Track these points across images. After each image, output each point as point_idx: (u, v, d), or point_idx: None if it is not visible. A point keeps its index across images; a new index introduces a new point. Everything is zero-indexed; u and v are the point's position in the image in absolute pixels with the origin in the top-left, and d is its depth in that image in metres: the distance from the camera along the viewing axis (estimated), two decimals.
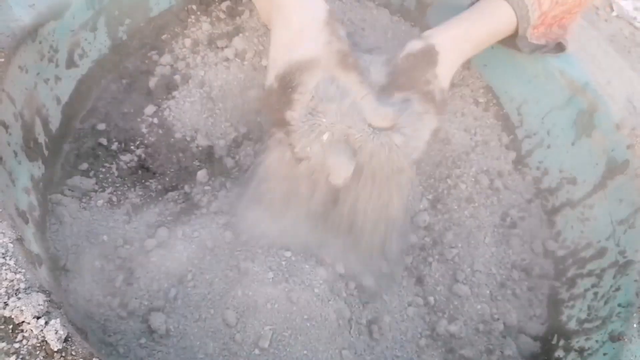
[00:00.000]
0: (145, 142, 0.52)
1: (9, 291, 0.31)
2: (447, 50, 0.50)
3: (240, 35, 0.58)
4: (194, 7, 0.59)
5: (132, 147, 0.51)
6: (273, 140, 0.48)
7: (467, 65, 0.62)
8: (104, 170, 0.50)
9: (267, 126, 0.49)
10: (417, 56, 0.50)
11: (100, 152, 0.51)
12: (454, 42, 0.51)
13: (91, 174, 0.49)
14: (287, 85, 0.46)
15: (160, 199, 0.50)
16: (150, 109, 0.54)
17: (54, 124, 0.48)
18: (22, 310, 0.31)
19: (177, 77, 0.55)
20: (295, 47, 0.46)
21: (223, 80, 0.55)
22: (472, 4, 0.55)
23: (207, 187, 0.52)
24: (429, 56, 0.50)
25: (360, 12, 0.64)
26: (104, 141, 0.51)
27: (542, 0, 0.51)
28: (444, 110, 0.51)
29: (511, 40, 0.54)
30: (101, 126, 0.52)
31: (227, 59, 0.56)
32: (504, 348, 0.50)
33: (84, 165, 0.49)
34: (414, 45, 0.50)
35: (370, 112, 0.47)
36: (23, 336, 0.30)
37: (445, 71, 0.50)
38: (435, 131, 0.50)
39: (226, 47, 0.57)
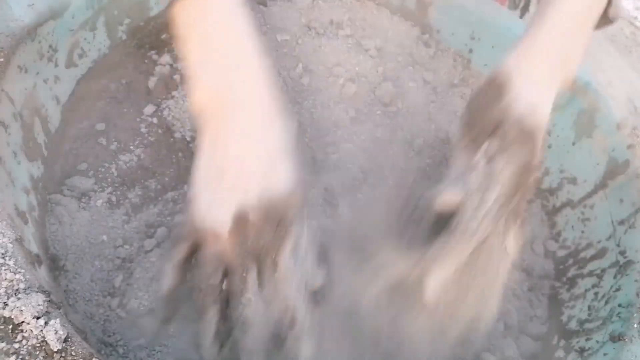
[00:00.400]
0: (145, 142, 0.52)
1: (9, 291, 0.31)
2: (524, 71, 0.40)
3: None
4: None
5: (131, 147, 0.51)
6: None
7: (467, 65, 0.62)
8: (103, 170, 0.50)
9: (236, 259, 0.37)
10: (481, 92, 0.41)
11: (99, 152, 0.50)
12: (530, 56, 0.40)
13: (90, 173, 0.49)
14: (275, 223, 0.36)
15: (160, 199, 0.50)
16: (149, 109, 0.54)
17: (54, 124, 0.48)
18: (21, 310, 0.31)
19: (177, 77, 0.55)
20: (276, 172, 0.37)
21: None
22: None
23: None
24: (496, 85, 0.40)
25: (361, 12, 0.64)
26: (103, 141, 0.51)
27: None
28: (534, 157, 0.39)
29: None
30: (100, 126, 0.52)
31: None
32: (505, 348, 0.50)
33: (83, 165, 0.49)
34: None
35: None
36: (23, 336, 0.30)
37: (525, 96, 0.39)
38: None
39: None
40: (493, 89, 0.41)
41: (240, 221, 0.36)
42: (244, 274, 0.37)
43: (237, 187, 0.36)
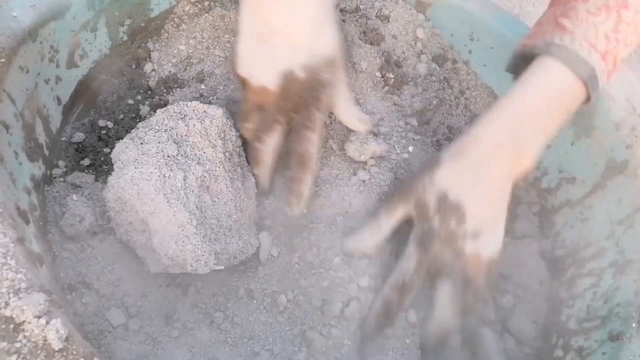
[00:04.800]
0: None
1: (10, 291, 0.31)
2: (454, 152, 0.43)
3: None
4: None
5: None
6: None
7: (467, 64, 0.62)
8: (106, 168, 0.50)
9: (272, 113, 0.45)
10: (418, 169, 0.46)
11: (100, 149, 0.51)
12: (465, 142, 0.43)
13: (92, 170, 0.49)
14: (319, 81, 0.42)
15: None
16: (150, 108, 0.54)
17: (55, 124, 0.48)
18: (23, 309, 0.31)
19: (177, 75, 0.55)
20: (318, 38, 0.41)
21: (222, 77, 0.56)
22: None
23: None
24: (430, 162, 0.45)
25: None
26: (104, 137, 0.51)
27: (592, 40, 0.40)
28: (481, 296, 0.44)
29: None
30: (102, 123, 0.52)
31: (226, 58, 0.57)
32: (504, 347, 0.50)
33: (85, 162, 0.49)
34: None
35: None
36: (24, 336, 0.30)
37: (450, 174, 0.43)
38: (453, 295, 0.43)
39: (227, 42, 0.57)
40: (428, 164, 0.45)
41: (289, 78, 0.42)
42: (273, 123, 0.45)
43: (287, 49, 0.41)
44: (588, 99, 0.43)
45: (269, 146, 0.47)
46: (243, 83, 0.45)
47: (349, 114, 0.48)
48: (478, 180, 0.42)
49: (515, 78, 0.45)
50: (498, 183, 0.43)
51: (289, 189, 0.49)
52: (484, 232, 0.42)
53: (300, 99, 0.43)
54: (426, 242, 0.43)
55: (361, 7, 0.62)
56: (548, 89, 0.41)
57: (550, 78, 0.41)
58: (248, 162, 0.51)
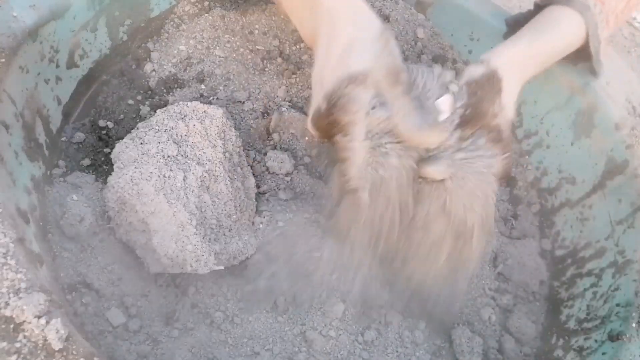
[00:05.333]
0: None
1: (10, 291, 0.31)
2: (511, 74, 0.45)
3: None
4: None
5: None
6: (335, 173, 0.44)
7: (467, 64, 0.62)
8: (106, 168, 0.50)
9: (322, 156, 0.46)
10: (480, 84, 0.44)
11: (100, 149, 0.51)
12: (516, 63, 0.46)
13: (92, 170, 0.49)
14: (335, 103, 0.40)
15: None
16: (150, 108, 0.54)
17: (55, 124, 0.48)
18: (23, 309, 0.31)
19: (177, 75, 0.55)
20: (343, 62, 0.41)
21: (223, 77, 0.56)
22: (534, 10, 0.51)
23: None
24: (494, 83, 0.44)
25: None
26: (104, 138, 0.51)
27: (609, 16, 0.47)
28: (510, 148, 0.45)
29: (578, 57, 0.50)
30: (102, 123, 0.52)
31: (226, 58, 0.57)
32: (504, 343, 0.50)
33: (85, 162, 0.49)
34: (474, 71, 0.44)
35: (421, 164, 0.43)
36: (24, 335, 0.30)
37: (510, 99, 0.45)
38: (503, 179, 0.46)
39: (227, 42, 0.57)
40: (492, 85, 0.45)
41: (316, 117, 0.43)
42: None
43: (317, 90, 0.43)
44: (577, 57, 0.49)
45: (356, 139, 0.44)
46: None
47: (404, 124, 0.42)
48: (517, 72, 0.47)
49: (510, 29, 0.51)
50: (524, 78, 0.48)
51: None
52: (507, 105, 0.46)
53: (331, 122, 0.42)
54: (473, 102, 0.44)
55: None
56: (572, 38, 0.47)
57: (576, 34, 0.47)
58: (248, 162, 0.51)
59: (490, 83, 0.44)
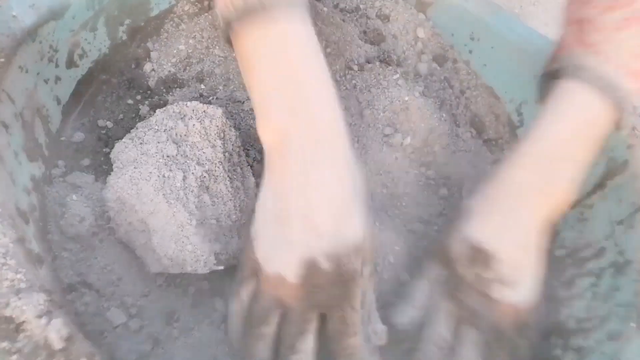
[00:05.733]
0: None
1: (10, 291, 0.31)
2: (481, 202, 0.39)
3: None
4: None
5: None
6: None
7: (467, 64, 0.62)
8: (106, 168, 0.50)
9: (302, 311, 0.36)
10: (469, 252, 0.39)
11: (100, 149, 0.51)
12: (490, 190, 0.39)
13: (91, 170, 0.49)
14: (348, 272, 0.34)
15: None
16: (150, 108, 0.54)
17: (54, 124, 0.48)
18: (23, 309, 0.31)
19: (177, 75, 0.55)
20: (345, 223, 0.34)
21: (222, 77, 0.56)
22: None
23: None
24: (481, 258, 0.39)
25: None
26: (104, 137, 0.51)
27: (627, 62, 0.36)
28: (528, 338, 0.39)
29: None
30: (101, 122, 0.52)
31: (226, 58, 0.57)
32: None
33: (85, 162, 0.49)
34: (460, 246, 0.39)
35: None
36: (25, 335, 0.30)
37: (479, 225, 0.39)
38: (477, 344, 0.39)
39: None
40: (478, 258, 0.39)
41: (311, 269, 0.34)
42: (304, 325, 0.35)
43: (308, 233, 0.34)
44: (618, 121, 0.40)
45: (307, 355, 0.36)
46: (255, 271, 0.38)
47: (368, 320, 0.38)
48: (509, 226, 0.39)
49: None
50: (531, 227, 0.40)
51: None
52: (519, 280, 0.40)
53: (329, 296, 0.35)
54: (456, 293, 0.40)
55: (361, 6, 0.62)
56: (578, 117, 0.39)
57: (581, 105, 0.38)
58: (248, 162, 0.51)
59: (477, 257, 0.38)
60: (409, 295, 0.42)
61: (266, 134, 0.36)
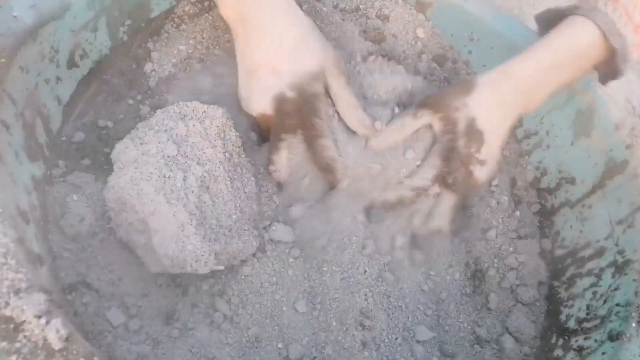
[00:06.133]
0: None
1: (10, 290, 0.31)
2: (490, 83, 0.46)
3: None
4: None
5: None
6: (283, 145, 0.49)
7: (467, 64, 0.62)
8: (106, 168, 0.50)
9: (274, 134, 0.50)
10: (456, 86, 0.48)
11: (100, 149, 0.51)
12: (500, 75, 0.46)
13: (92, 170, 0.49)
14: (309, 94, 0.46)
15: None
16: (150, 108, 0.54)
17: (55, 124, 0.48)
18: (23, 309, 0.31)
19: (177, 75, 0.55)
20: (299, 54, 0.46)
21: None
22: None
23: None
24: (466, 86, 0.47)
25: None
26: (104, 137, 0.51)
27: (630, 11, 0.43)
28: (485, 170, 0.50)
29: (609, 69, 0.47)
30: (102, 123, 0.52)
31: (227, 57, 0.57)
32: (504, 342, 0.50)
33: (85, 162, 0.49)
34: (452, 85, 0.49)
35: (355, 122, 0.48)
36: (24, 335, 0.30)
37: (483, 102, 0.46)
38: (454, 207, 0.51)
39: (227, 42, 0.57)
40: (461, 86, 0.48)
41: (280, 100, 0.46)
42: (278, 143, 0.49)
43: (272, 76, 0.46)
44: (610, 65, 0.46)
45: (280, 165, 0.50)
46: (252, 119, 0.50)
47: (350, 116, 0.49)
48: (505, 116, 0.47)
49: (541, 28, 0.49)
50: (513, 119, 0.48)
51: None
52: (489, 161, 0.48)
53: (299, 114, 0.47)
54: (448, 158, 0.48)
55: (361, 6, 0.62)
56: (581, 47, 0.45)
57: (587, 40, 0.44)
58: (249, 161, 0.51)
59: (462, 85, 0.47)
60: (398, 124, 0.50)
61: (227, 13, 0.47)
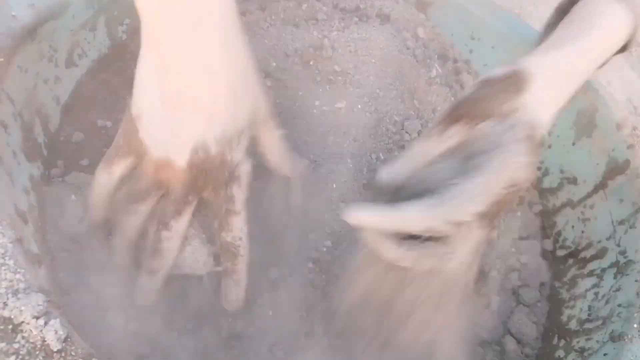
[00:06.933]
0: None
1: (9, 291, 0.31)
2: (546, 74, 0.35)
3: None
4: None
5: None
6: None
7: (467, 64, 0.62)
8: None
9: (185, 188, 0.38)
10: (496, 82, 0.34)
11: (99, 149, 0.50)
12: (556, 64, 0.36)
13: (90, 170, 0.49)
14: (234, 154, 0.37)
15: None
16: None
17: (54, 124, 0.48)
18: (21, 310, 0.31)
19: None
20: (235, 106, 0.35)
21: None
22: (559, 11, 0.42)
23: None
24: (514, 81, 0.34)
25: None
26: (103, 137, 0.51)
27: None
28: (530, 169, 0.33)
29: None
30: (101, 122, 0.52)
31: None
32: (505, 344, 0.50)
33: (84, 162, 0.49)
34: (495, 72, 0.34)
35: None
36: (22, 336, 0.30)
37: (540, 100, 0.34)
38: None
39: None
40: (510, 83, 0.34)
41: (200, 154, 0.34)
42: (184, 206, 0.36)
43: (199, 118, 0.33)
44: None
45: (178, 235, 0.38)
46: (136, 150, 0.36)
47: (280, 161, 0.40)
48: (548, 112, 0.36)
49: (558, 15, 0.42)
50: (568, 78, 0.38)
51: (222, 283, 0.41)
52: (530, 114, 0.35)
53: (216, 178, 0.36)
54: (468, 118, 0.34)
55: (361, 6, 0.61)
56: (610, 32, 0.38)
57: (616, 22, 0.38)
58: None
59: (509, 81, 0.33)
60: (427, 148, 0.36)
61: (146, 3, 0.33)
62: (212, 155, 0.34)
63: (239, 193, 0.37)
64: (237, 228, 0.38)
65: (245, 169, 0.37)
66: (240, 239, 0.38)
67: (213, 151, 0.34)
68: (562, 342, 0.49)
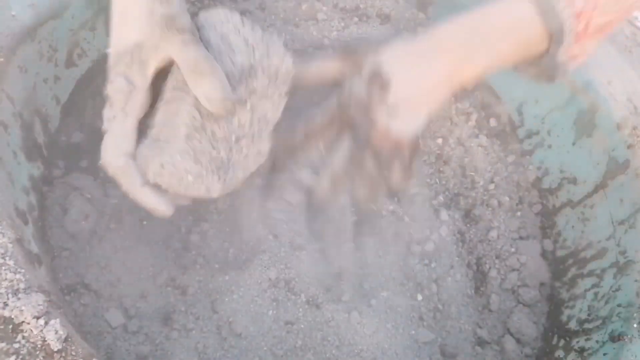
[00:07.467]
0: None
1: (9, 291, 0.31)
2: (407, 39, 0.42)
3: None
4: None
5: None
6: None
7: None
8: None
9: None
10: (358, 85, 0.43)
11: (99, 149, 0.50)
12: (421, 34, 0.42)
13: (90, 171, 0.49)
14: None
15: None
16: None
17: (53, 123, 0.48)
18: (21, 310, 0.31)
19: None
20: (117, 34, 0.41)
21: None
22: None
23: None
24: (378, 82, 0.42)
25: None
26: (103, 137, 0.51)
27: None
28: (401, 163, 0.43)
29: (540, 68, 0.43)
30: (100, 123, 0.52)
31: None
32: (505, 344, 0.50)
33: (84, 163, 0.49)
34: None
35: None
36: (23, 336, 0.30)
37: (394, 52, 0.42)
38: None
39: None
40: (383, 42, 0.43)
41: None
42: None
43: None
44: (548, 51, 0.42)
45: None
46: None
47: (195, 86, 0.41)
48: (416, 64, 0.43)
49: None
50: (435, 76, 0.43)
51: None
52: (402, 111, 0.42)
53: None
54: (345, 102, 0.44)
55: (361, 5, 0.61)
56: (511, 20, 0.41)
57: (520, 16, 0.40)
58: None
59: (373, 81, 0.42)
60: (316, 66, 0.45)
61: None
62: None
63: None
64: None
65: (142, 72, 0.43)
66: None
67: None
68: (562, 342, 0.49)
